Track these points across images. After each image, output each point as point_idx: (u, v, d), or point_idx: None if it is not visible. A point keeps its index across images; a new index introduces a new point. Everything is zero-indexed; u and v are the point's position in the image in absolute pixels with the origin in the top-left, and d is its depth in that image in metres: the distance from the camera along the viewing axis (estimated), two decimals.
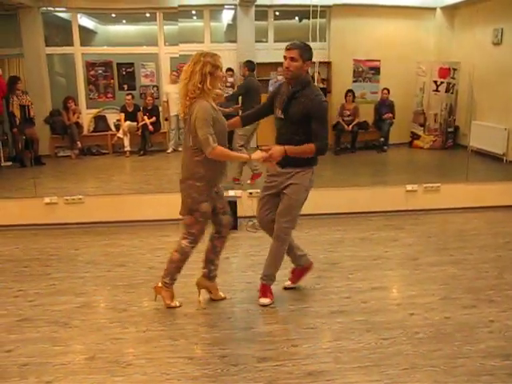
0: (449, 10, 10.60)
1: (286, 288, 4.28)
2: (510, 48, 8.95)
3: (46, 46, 10.45)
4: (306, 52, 3.76)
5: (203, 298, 4.12)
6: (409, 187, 6.48)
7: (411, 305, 3.99)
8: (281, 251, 3.99)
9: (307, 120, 3.73)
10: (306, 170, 3.87)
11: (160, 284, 3.98)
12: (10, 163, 9.34)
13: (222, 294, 4.13)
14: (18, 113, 9.11)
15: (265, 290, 4.06)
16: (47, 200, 6.14)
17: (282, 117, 3.83)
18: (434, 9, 10.70)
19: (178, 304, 4.00)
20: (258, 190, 6.08)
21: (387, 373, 3.09)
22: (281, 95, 3.87)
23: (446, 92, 10.37)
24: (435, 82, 10.37)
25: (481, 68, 8.88)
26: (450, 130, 10.47)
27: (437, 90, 10.39)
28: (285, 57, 3.77)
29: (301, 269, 4.29)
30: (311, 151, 3.74)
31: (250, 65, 7.79)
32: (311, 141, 3.73)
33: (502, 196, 6.62)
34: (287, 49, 3.76)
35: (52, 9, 10.60)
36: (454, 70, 10.27)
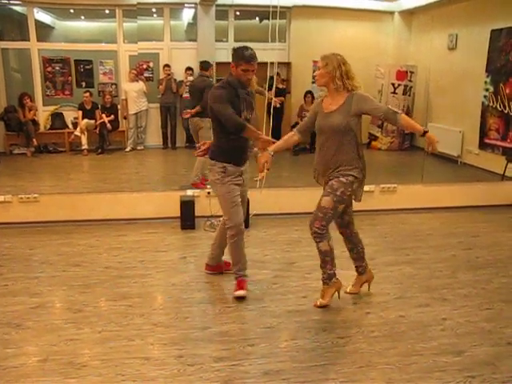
0: (406, 15, 10.79)
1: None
2: (464, 53, 9.18)
3: (0, 40, 10.20)
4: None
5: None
6: (366, 188, 6.52)
7: (367, 304, 4.05)
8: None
9: None
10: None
11: None
12: None
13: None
14: None
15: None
16: (1, 199, 5.99)
17: (250, 116, 4.06)
18: (393, 13, 10.88)
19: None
20: None
21: (343, 371, 3.12)
22: (242, 98, 3.98)
23: (403, 94, 10.55)
24: (393, 84, 10.55)
25: (437, 71, 9.09)
26: (407, 131, 10.65)
27: (394, 92, 10.57)
28: (247, 70, 3.89)
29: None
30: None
31: (202, 64, 7.74)
32: None
33: (456, 197, 6.78)
34: (252, 63, 3.88)
35: (7, 1, 10.35)
36: (411, 72, 10.47)
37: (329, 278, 3.97)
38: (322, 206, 3.79)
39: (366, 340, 3.49)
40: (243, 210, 4.17)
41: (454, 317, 3.83)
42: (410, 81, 10.50)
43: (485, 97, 8.60)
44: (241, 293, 4.07)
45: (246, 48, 3.90)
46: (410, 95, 10.58)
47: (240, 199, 4.08)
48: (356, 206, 6.40)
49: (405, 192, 6.68)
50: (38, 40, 10.51)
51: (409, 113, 10.57)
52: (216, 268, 4.56)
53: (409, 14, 10.77)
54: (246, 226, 5.83)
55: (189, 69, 10.20)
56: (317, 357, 3.28)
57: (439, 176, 7.88)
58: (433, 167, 7.98)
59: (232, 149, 4.00)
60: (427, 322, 3.73)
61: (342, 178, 3.78)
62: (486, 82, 8.56)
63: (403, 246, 5.41)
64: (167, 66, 10.23)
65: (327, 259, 3.92)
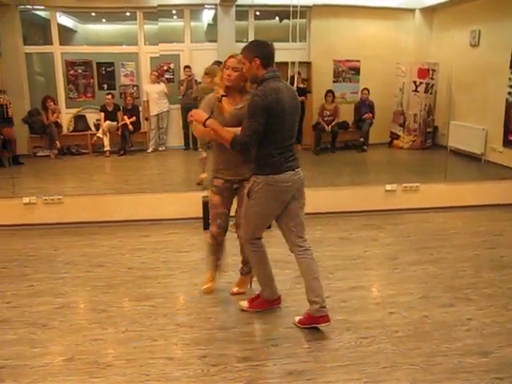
0: (427, 12, 10.69)
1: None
2: (487, 49, 9.06)
3: (25, 44, 10.33)
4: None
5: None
6: (388, 187, 6.52)
7: (391, 304, 4.02)
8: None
9: None
10: None
11: None
12: None
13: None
14: None
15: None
16: (26, 200, 6.07)
17: None
18: (413, 10, 10.79)
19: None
20: None
21: (367, 371, 3.11)
22: None
23: (424, 92, 10.45)
24: (414, 82, 10.45)
25: (459, 69, 9.00)
26: (429, 130, 10.56)
27: (416, 91, 10.47)
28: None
29: None
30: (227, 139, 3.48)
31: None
32: None
33: (479, 195, 6.69)
34: (229, 58, 3.81)
35: (30, 7, 10.49)
36: (433, 70, 10.36)
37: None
38: None
39: (390, 340, 3.47)
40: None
41: (479, 317, 3.78)
42: (432, 78, 10.40)
43: (509, 93, 8.48)
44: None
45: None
46: (431, 93, 10.47)
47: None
48: (378, 205, 6.45)
49: (427, 191, 6.62)
50: (61, 44, 10.63)
51: (430, 111, 10.50)
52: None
53: (430, 11, 10.67)
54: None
55: (187, 67, 10.26)
56: (340, 357, 3.27)
57: (462, 174, 7.81)
58: (456, 166, 7.92)
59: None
60: (452, 323, 3.70)
61: None
62: (510, 79, 8.44)
63: (426, 245, 5.36)
64: (188, 67, 10.27)
65: None
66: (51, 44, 10.54)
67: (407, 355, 3.28)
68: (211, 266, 4.23)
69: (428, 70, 10.37)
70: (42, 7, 10.52)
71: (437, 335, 3.51)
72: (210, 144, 4.48)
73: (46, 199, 6.12)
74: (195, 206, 5.92)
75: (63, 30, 10.78)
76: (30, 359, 3.28)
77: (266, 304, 3.95)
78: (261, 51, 3.50)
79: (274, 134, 3.45)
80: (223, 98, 3.77)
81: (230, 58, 3.77)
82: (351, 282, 4.41)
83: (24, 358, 3.29)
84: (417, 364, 3.18)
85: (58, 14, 10.51)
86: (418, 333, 3.56)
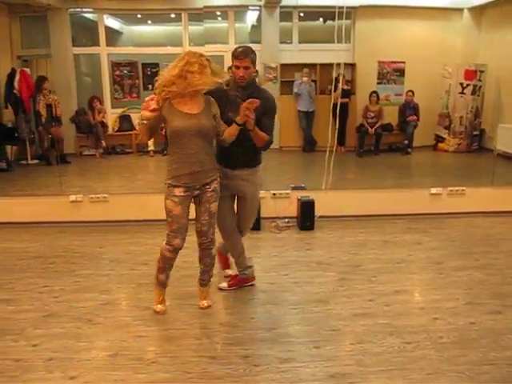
0: (476, 11, 10.48)
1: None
2: None
3: (73, 46, 10.60)
4: (255, 56, 3.90)
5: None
6: (433, 190, 6.42)
7: (435, 309, 3.95)
8: None
9: (261, 118, 3.82)
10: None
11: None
12: (36, 161, 9.50)
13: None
14: (44, 112, 9.26)
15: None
16: (73, 198, 6.21)
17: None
18: (461, 10, 10.60)
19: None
20: (282, 191, 6.14)
21: (411, 377, 3.06)
22: (232, 100, 3.86)
23: (471, 94, 10.26)
24: (461, 84, 10.27)
25: (508, 70, 8.78)
26: (475, 132, 10.37)
27: (462, 93, 10.29)
28: (238, 66, 3.82)
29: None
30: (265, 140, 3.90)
31: None
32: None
33: None
34: (240, 58, 3.80)
35: (79, 10, 10.74)
36: (481, 72, 10.16)
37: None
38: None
39: (435, 346, 3.41)
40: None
41: None
42: (480, 80, 10.19)
43: None
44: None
45: (240, 46, 3.91)
46: (478, 95, 10.28)
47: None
48: (423, 208, 6.35)
49: (474, 195, 6.49)
50: (107, 45, 10.86)
51: (477, 113, 10.29)
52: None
53: (479, 11, 10.46)
54: (311, 228, 5.83)
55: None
56: (383, 361, 3.23)
57: (510, 178, 7.61)
58: (503, 169, 7.72)
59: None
60: (499, 330, 3.60)
61: None
62: None
63: (472, 250, 5.25)
64: (231, 68, 10.31)
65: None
66: (98, 45, 10.79)
67: (452, 362, 3.21)
68: (163, 283, 3.95)
69: (475, 71, 10.17)
70: (91, 10, 10.76)
71: (484, 343, 3.43)
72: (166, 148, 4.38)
73: (92, 197, 6.24)
74: None
75: (110, 31, 11.01)
76: (76, 353, 3.34)
77: (245, 281, 4.33)
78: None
79: None
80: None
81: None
82: (395, 286, 4.35)
83: (71, 351, 3.36)
84: (462, 372, 3.11)
85: (105, 16, 10.73)
86: (464, 340, 3.49)
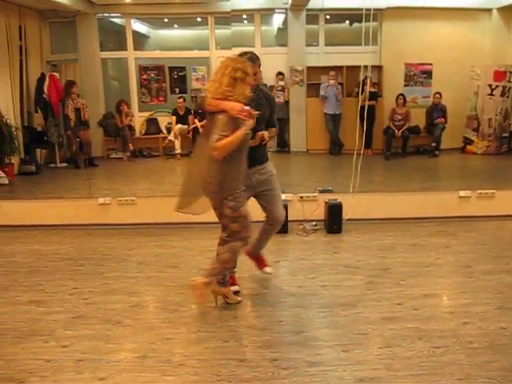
0: (506, 11, 10.33)
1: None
2: None
3: (101, 50, 10.75)
4: (259, 61, 4.01)
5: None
6: (462, 193, 6.34)
7: (465, 313, 3.89)
8: None
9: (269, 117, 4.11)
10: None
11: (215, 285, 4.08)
12: (65, 164, 9.65)
13: (238, 298, 4.14)
14: (72, 116, 9.41)
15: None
16: (101, 201, 6.29)
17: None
18: (490, 10, 10.47)
19: (239, 299, 4.13)
20: (309, 194, 6.12)
21: (440, 382, 3.02)
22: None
23: (501, 96, 10.12)
24: (490, 85, 10.13)
25: None
26: (504, 134, 10.22)
27: (491, 94, 10.15)
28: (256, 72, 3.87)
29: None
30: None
31: None
32: None
33: None
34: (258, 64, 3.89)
35: (107, 15, 10.88)
36: (510, 73, 10.01)
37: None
38: None
39: (465, 351, 3.36)
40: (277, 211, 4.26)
41: None
42: (509, 81, 10.05)
43: None
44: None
45: (246, 53, 3.93)
46: (508, 96, 10.13)
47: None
48: (452, 211, 6.27)
49: (504, 198, 6.39)
50: (135, 49, 10.99)
51: (507, 115, 10.14)
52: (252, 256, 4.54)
53: (508, 11, 10.31)
54: (339, 231, 5.81)
55: (280, 74, 10.29)
56: (413, 366, 3.20)
57: None
58: None
59: None
60: None
61: None
62: None
63: (502, 254, 5.16)
64: (281, 74, 10.37)
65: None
66: (125, 49, 10.93)
67: (483, 368, 3.16)
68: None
69: (505, 72, 10.03)
70: (118, 15, 10.90)
71: None
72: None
73: (120, 200, 6.31)
74: None
75: (137, 35, 11.15)
76: (105, 354, 3.37)
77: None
78: None
79: None
80: None
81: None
82: (423, 290, 4.30)
83: (100, 352, 3.39)
84: (494, 378, 3.05)
85: (132, 21, 10.86)
86: (495, 345, 3.43)
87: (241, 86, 3.59)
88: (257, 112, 3.64)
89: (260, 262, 4.51)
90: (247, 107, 3.54)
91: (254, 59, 3.89)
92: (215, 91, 3.62)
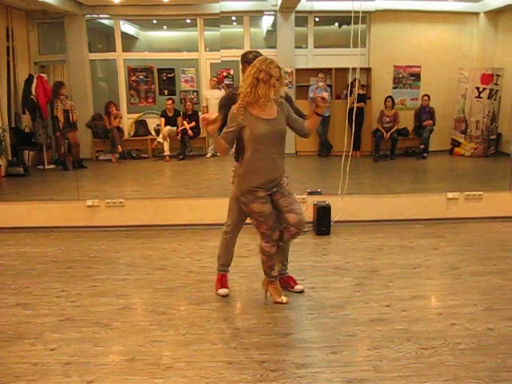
0: (493, 15, 10.41)
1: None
2: None
3: (90, 52, 10.69)
4: None
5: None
6: (450, 195, 6.38)
7: (452, 315, 3.91)
8: None
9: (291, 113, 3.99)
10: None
11: (265, 281, 4.16)
12: (53, 166, 9.59)
13: (283, 299, 4.14)
14: (61, 117, 9.35)
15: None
16: (89, 203, 6.26)
17: None
18: (478, 14, 10.54)
19: (284, 300, 4.11)
20: (298, 196, 6.10)
21: (428, 383, 3.04)
22: None
23: (488, 98, 10.18)
24: (477, 88, 10.19)
25: None
26: (492, 137, 10.28)
27: (479, 97, 10.21)
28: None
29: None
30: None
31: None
32: None
33: None
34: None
35: (96, 16, 10.83)
36: (498, 76, 10.08)
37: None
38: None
39: (452, 352, 3.37)
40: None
41: None
42: (496, 84, 10.11)
43: None
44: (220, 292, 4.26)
45: (250, 52, 3.98)
46: (495, 99, 10.19)
47: None
48: (440, 213, 6.31)
49: (491, 199, 6.43)
50: (124, 50, 10.94)
51: (494, 118, 10.21)
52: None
53: (495, 14, 10.38)
54: (327, 233, 5.84)
55: None
56: (401, 367, 3.21)
57: None
58: None
59: None
60: None
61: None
62: None
63: (490, 255, 5.20)
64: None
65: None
66: (114, 51, 10.86)
67: (471, 369, 3.18)
68: (276, 277, 4.17)
69: (492, 75, 10.10)
70: (107, 16, 10.85)
71: (503, 349, 3.39)
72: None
73: (108, 202, 6.28)
74: None
75: (126, 37, 11.10)
76: (93, 357, 3.36)
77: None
78: None
79: None
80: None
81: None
82: (412, 291, 4.32)
83: (88, 355, 3.38)
84: (481, 379, 3.07)
85: (121, 22, 10.82)
86: (482, 346, 3.45)
87: (263, 87, 3.66)
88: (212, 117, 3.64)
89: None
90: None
91: (248, 60, 3.91)
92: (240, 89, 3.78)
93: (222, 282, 4.37)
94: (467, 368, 3.18)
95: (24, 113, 9.72)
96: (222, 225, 4.40)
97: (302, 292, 4.26)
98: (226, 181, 8.57)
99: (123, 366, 3.27)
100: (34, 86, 9.37)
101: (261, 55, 3.95)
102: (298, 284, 4.34)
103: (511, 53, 9.87)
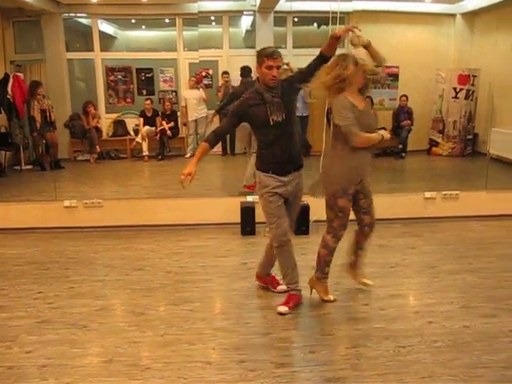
0: (469, 17, 10.55)
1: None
2: None
3: (67, 51, 10.59)
4: None
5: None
6: (427, 194, 6.44)
7: (430, 313, 3.95)
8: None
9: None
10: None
11: (314, 278, 4.16)
12: (30, 167, 9.48)
13: (331, 297, 4.17)
14: (38, 117, 9.22)
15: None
16: (67, 203, 6.19)
17: (283, 118, 3.79)
18: (454, 15, 10.66)
19: (332, 298, 4.13)
20: None
21: (405, 381, 3.06)
22: (268, 102, 3.76)
23: (465, 99, 10.30)
24: (454, 88, 10.31)
25: (501, 75, 8.81)
26: (469, 137, 10.40)
27: (456, 97, 10.33)
28: (271, 66, 3.70)
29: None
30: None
31: (241, 71, 7.81)
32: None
33: None
34: (275, 57, 3.70)
35: (73, 15, 10.74)
36: (474, 76, 10.20)
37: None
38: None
39: (429, 350, 3.41)
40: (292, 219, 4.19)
41: None
42: (473, 85, 10.24)
43: None
44: (281, 309, 3.95)
45: (269, 47, 3.85)
46: (472, 100, 10.32)
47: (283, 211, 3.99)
48: (417, 212, 6.36)
49: (468, 199, 6.50)
50: (102, 50, 10.86)
51: (471, 118, 10.33)
52: (262, 280, 4.46)
53: (471, 16, 10.52)
54: (307, 233, 5.85)
55: (225, 73, 10.29)
56: (379, 365, 3.23)
57: (504, 182, 7.63)
58: (497, 173, 7.74)
59: (268, 158, 3.90)
60: (494, 334, 3.61)
61: None
62: None
63: (466, 254, 5.26)
64: (225, 73, 10.34)
65: None
66: (92, 50, 10.78)
67: (447, 366, 3.22)
68: (327, 274, 4.20)
69: (469, 76, 10.22)
70: (85, 15, 10.76)
71: (478, 346, 3.44)
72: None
73: (86, 203, 6.23)
74: (233, 211, 5.94)
75: (104, 36, 11.02)
76: (70, 359, 3.33)
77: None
78: None
79: None
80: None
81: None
82: (390, 290, 4.36)
83: (65, 357, 3.35)
84: (457, 375, 3.11)
85: (99, 21, 10.73)
86: (458, 343, 3.49)
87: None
88: None
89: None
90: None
91: (267, 54, 3.72)
92: None
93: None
94: (443, 365, 3.22)
95: (0, 112, 9.60)
96: (200, 225, 4.39)
97: (284, 292, 4.26)
98: (204, 181, 8.60)
99: (101, 367, 3.25)
100: (10, 85, 9.25)
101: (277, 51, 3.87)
102: (281, 284, 4.31)
103: (487, 54, 9.99)
